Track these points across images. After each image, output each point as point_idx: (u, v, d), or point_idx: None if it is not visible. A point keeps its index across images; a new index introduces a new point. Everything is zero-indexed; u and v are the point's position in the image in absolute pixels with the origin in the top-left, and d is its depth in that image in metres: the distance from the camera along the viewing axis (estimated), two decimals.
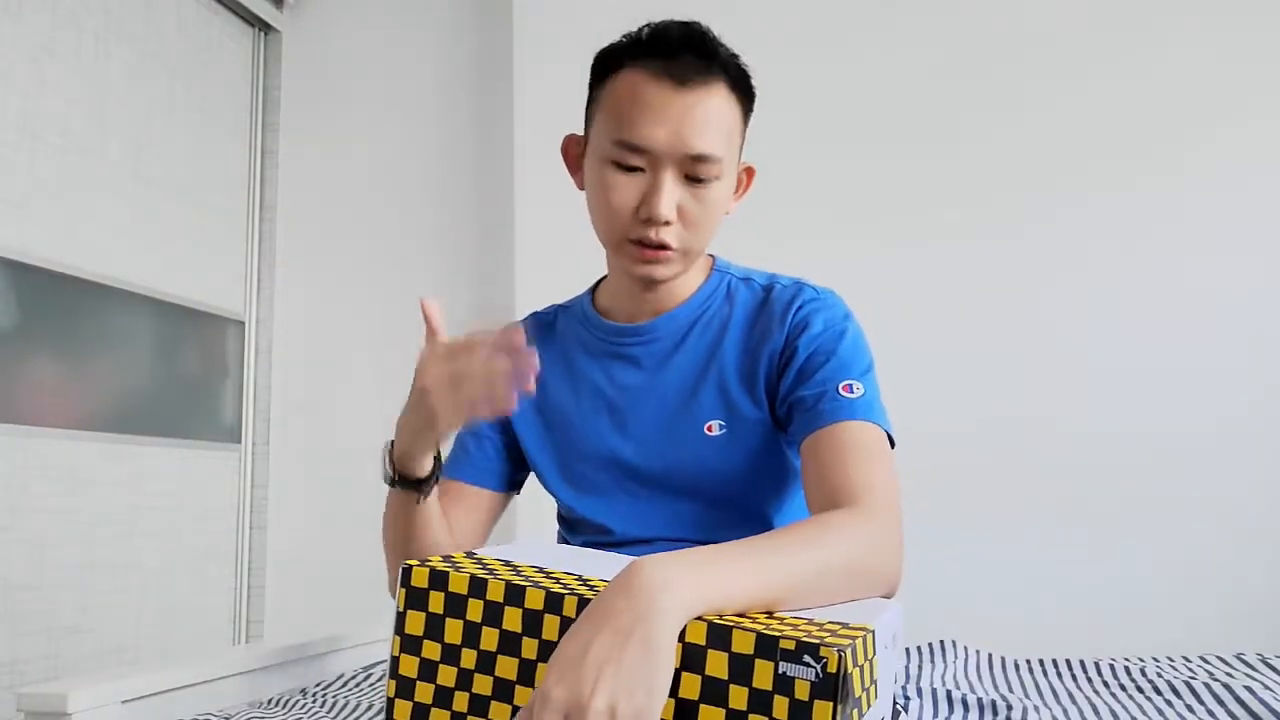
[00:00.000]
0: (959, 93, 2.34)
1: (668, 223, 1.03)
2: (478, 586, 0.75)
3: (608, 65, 1.08)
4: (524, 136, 2.56)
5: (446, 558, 0.81)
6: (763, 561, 0.76)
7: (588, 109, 1.12)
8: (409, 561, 0.79)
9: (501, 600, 0.74)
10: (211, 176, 2.71)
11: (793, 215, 2.34)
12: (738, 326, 1.12)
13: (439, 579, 0.76)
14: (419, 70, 2.80)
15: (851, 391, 1.02)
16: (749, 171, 1.15)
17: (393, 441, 1.06)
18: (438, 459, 1.07)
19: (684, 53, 1.03)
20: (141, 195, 2.47)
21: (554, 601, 0.72)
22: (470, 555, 0.83)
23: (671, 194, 1.03)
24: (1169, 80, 2.24)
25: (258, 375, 2.82)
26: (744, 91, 1.08)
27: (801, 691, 0.64)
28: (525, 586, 0.73)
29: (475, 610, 0.75)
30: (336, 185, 2.84)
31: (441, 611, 0.76)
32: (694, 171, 1.03)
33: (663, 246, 1.04)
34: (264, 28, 2.92)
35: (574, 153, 1.14)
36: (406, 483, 1.06)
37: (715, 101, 1.03)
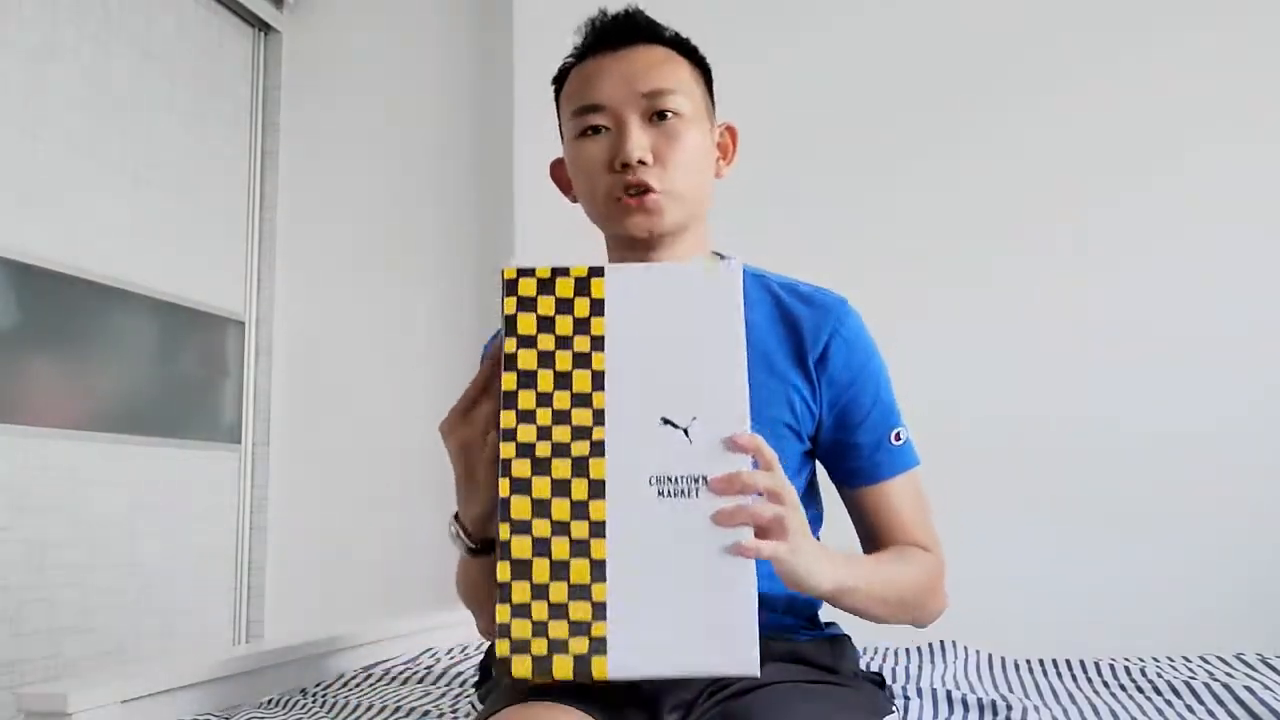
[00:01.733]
0: (956, 88, 2.34)
1: (642, 162, 1.02)
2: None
3: (560, 77, 1.14)
4: (524, 135, 2.56)
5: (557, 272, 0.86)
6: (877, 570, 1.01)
7: (559, 127, 1.15)
8: (509, 274, 0.85)
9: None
10: (211, 176, 2.71)
11: (793, 208, 2.34)
12: (762, 323, 1.09)
13: (545, 286, 0.85)
14: (419, 70, 2.80)
15: (899, 440, 1.11)
16: (730, 131, 1.15)
17: (456, 513, 0.98)
18: None
19: (616, 28, 1.08)
20: (141, 195, 2.47)
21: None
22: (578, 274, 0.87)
23: (638, 135, 1.03)
24: (1170, 80, 2.24)
25: (258, 375, 2.82)
26: (690, 55, 1.11)
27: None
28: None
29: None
30: (336, 185, 2.84)
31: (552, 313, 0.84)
32: (654, 108, 1.04)
33: (645, 190, 1.03)
34: (264, 28, 2.92)
35: (561, 174, 1.16)
36: (489, 547, 0.97)
37: (655, 52, 1.08)
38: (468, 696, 1.38)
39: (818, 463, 1.15)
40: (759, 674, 0.78)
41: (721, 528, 0.79)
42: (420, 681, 1.50)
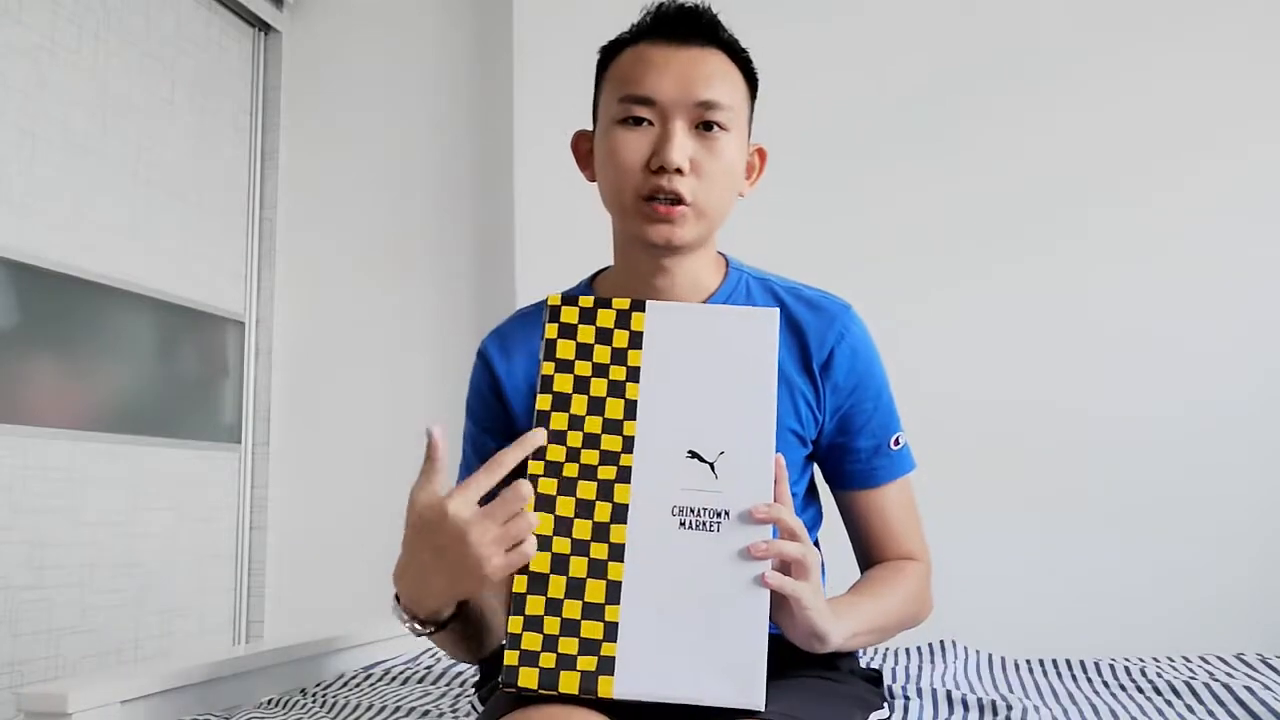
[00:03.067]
0: (956, 85, 2.34)
1: (680, 171, 1.00)
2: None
3: (611, 51, 1.09)
4: (524, 135, 2.56)
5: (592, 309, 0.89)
6: (875, 606, 1.02)
7: (595, 98, 1.11)
8: (553, 301, 0.89)
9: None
10: (211, 176, 2.71)
11: (790, 206, 2.34)
12: None
13: (588, 314, 0.89)
14: (419, 70, 2.80)
15: (898, 445, 1.11)
16: (760, 154, 1.13)
17: (397, 595, 0.91)
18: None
19: (684, 22, 1.06)
20: (141, 195, 2.47)
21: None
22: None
23: (683, 141, 1.01)
24: (1171, 79, 2.24)
25: (258, 375, 2.82)
26: (745, 70, 1.09)
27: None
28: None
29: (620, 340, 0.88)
30: (336, 185, 2.84)
31: (592, 341, 0.88)
32: (703, 117, 1.02)
33: (677, 201, 1.01)
34: (264, 28, 2.92)
35: (583, 148, 1.13)
36: (441, 625, 0.93)
37: (718, 60, 1.05)
38: (468, 696, 1.38)
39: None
40: (764, 708, 0.79)
41: (739, 564, 0.81)
42: (420, 681, 1.50)
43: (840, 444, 1.10)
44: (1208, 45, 2.23)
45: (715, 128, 1.03)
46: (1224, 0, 2.23)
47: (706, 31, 1.06)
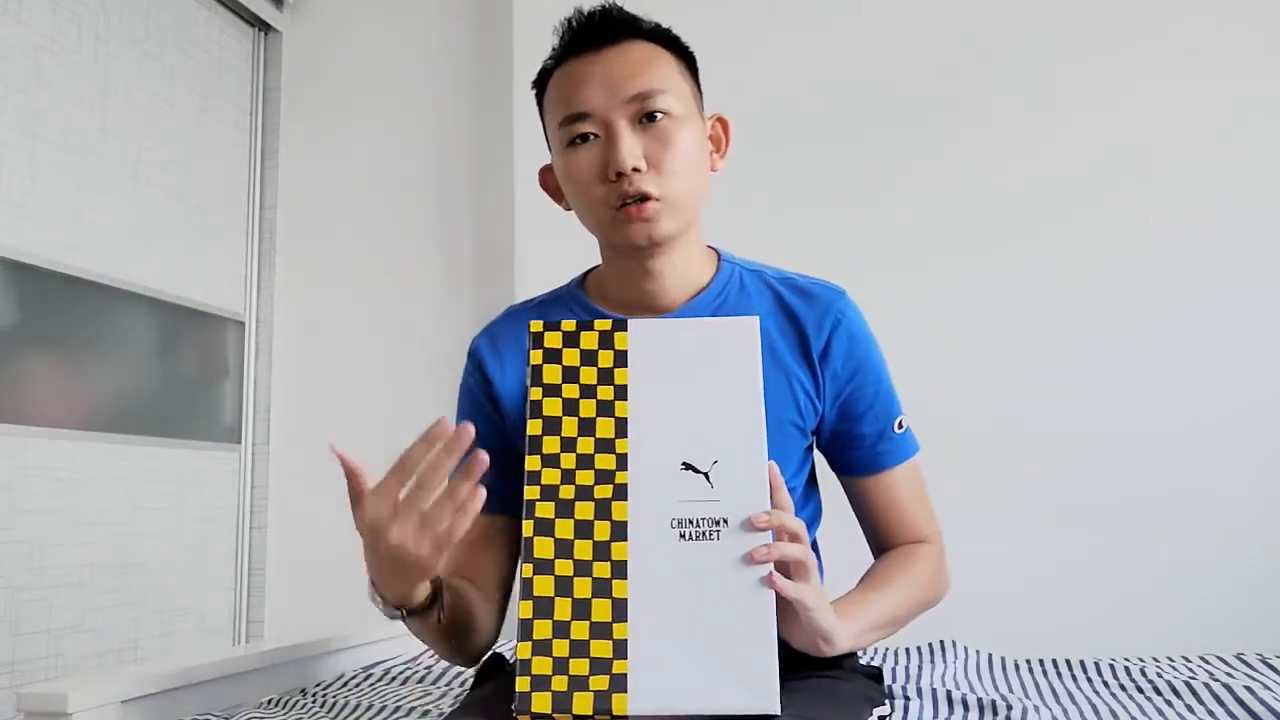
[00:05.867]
0: (961, 83, 2.34)
1: (637, 169, 1.00)
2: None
3: (541, 82, 1.11)
4: (524, 136, 2.56)
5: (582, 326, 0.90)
6: (887, 600, 1.02)
7: (545, 133, 1.12)
8: (535, 328, 0.89)
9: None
10: (211, 176, 2.71)
11: (786, 202, 2.34)
12: (765, 318, 1.07)
13: (571, 339, 0.90)
14: (419, 70, 2.80)
15: (901, 428, 1.11)
16: (722, 123, 1.12)
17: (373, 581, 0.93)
18: (434, 581, 0.95)
19: (596, 27, 1.06)
20: (141, 195, 2.47)
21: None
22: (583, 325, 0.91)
23: (629, 141, 1.00)
24: (1176, 78, 2.24)
25: (258, 375, 2.82)
26: (672, 45, 1.08)
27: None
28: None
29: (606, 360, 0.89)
30: (336, 185, 2.84)
31: (577, 364, 0.89)
32: (643, 110, 1.01)
33: (644, 198, 1.00)
34: (264, 28, 2.92)
35: (551, 182, 1.13)
36: (414, 613, 0.95)
37: (638, 49, 1.05)
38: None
39: (817, 455, 1.15)
40: (780, 711, 0.79)
41: (743, 569, 0.82)
42: (420, 681, 1.50)
43: (844, 431, 1.10)
44: (1218, 46, 2.23)
45: (659, 116, 1.02)
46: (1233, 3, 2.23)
47: (621, 28, 1.05)
